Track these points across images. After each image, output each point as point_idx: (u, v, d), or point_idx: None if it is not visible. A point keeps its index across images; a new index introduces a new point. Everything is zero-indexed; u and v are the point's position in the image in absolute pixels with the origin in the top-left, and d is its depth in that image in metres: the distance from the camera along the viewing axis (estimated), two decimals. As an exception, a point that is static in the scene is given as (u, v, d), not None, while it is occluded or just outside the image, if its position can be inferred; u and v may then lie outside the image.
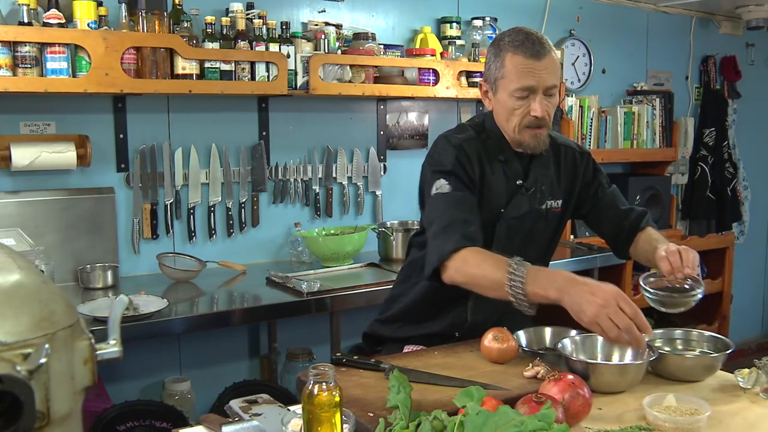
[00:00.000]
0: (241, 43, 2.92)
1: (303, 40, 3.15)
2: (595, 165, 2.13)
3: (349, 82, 3.19)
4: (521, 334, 1.84)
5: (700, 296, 1.68)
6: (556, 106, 1.94)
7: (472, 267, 1.74)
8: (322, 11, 3.40)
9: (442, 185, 1.87)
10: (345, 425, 1.22)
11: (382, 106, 3.63)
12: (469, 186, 1.88)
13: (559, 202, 2.04)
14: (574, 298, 1.56)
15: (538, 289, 1.61)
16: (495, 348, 1.69)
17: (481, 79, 2.04)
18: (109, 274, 2.82)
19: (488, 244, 1.88)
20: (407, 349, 2.01)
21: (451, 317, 2.02)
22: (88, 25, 2.60)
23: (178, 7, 2.86)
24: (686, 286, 1.69)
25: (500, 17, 3.86)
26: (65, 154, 2.73)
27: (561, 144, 2.09)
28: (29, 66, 2.49)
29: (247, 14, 3.03)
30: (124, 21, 2.69)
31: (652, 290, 1.69)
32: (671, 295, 1.68)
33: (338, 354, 1.74)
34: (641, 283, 1.69)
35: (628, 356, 1.70)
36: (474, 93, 3.52)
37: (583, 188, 2.09)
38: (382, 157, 3.63)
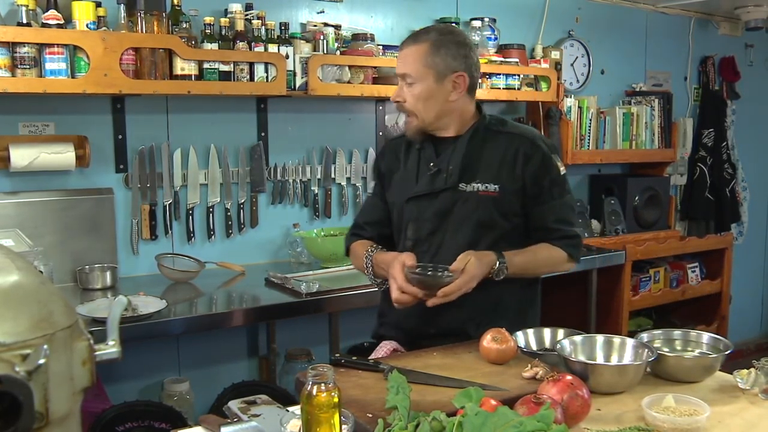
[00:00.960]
0: (240, 44, 2.92)
1: (302, 41, 3.15)
2: (548, 168, 2.03)
3: (348, 82, 3.19)
4: (520, 335, 1.85)
5: (445, 279, 1.85)
6: (419, 96, 1.99)
7: (355, 259, 2.21)
8: (320, 12, 3.40)
9: (372, 188, 2.29)
10: (344, 426, 1.22)
11: (381, 107, 3.63)
12: (381, 188, 2.22)
13: (495, 186, 2.01)
14: None
15: (381, 271, 2.05)
16: (494, 349, 1.69)
17: None
18: (108, 274, 2.82)
19: (405, 222, 2.12)
20: (384, 345, 2.08)
21: (416, 316, 2.04)
22: (86, 25, 2.60)
23: (176, 7, 2.86)
24: (447, 275, 1.86)
25: (499, 18, 3.87)
26: (64, 155, 2.73)
27: (514, 133, 2.06)
28: (28, 66, 2.48)
29: (246, 15, 3.03)
30: (122, 22, 2.69)
31: (410, 272, 1.88)
32: (426, 275, 1.88)
33: (337, 355, 1.74)
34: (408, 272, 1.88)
35: (627, 357, 1.70)
36: (473, 94, 3.51)
37: (530, 183, 2.02)
38: (381, 158, 3.63)
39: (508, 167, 2.02)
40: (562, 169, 2.08)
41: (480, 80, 3.54)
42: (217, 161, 3.17)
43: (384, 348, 2.05)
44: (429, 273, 1.87)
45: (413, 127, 2.05)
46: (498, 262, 1.92)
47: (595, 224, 4.23)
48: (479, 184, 2.01)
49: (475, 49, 2.13)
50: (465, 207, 2.02)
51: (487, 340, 1.71)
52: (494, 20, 3.82)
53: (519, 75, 3.71)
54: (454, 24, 3.68)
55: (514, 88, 3.70)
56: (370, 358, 1.84)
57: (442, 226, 2.04)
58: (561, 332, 1.87)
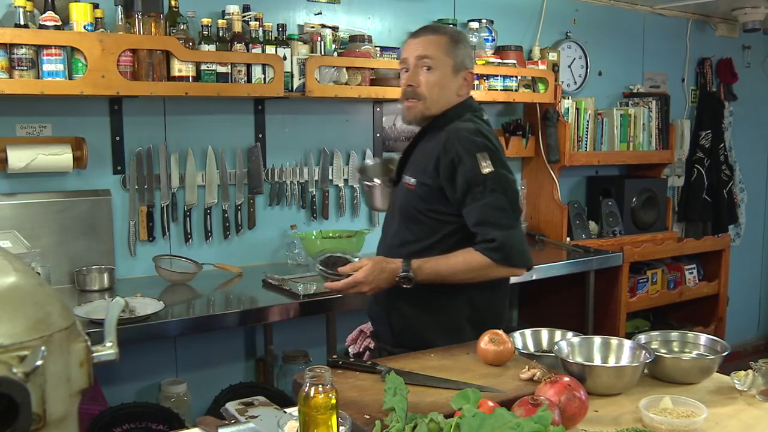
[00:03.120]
0: (238, 46, 2.92)
1: (299, 43, 3.15)
2: (462, 169, 1.97)
3: (346, 84, 3.19)
4: (517, 336, 1.85)
5: (330, 277, 2.06)
6: (436, 82, 2.05)
7: None
8: (318, 13, 3.40)
9: None
10: (341, 427, 1.22)
11: (378, 109, 3.63)
12: None
13: (414, 180, 2.07)
14: None
15: None
16: (491, 350, 1.69)
17: None
18: (106, 276, 2.81)
19: None
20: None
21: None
22: (84, 27, 2.60)
23: (174, 9, 2.86)
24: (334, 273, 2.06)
25: (496, 19, 3.87)
26: (61, 157, 2.73)
27: (447, 130, 2.03)
28: (25, 68, 2.48)
29: (244, 16, 3.03)
30: (120, 23, 2.69)
31: (315, 261, 2.14)
32: (320, 271, 2.10)
33: (334, 356, 1.74)
34: (318, 264, 2.11)
35: (625, 359, 1.70)
36: (470, 95, 3.52)
37: (445, 183, 2.00)
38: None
39: (427, 163, 2.04)
40: (487, 169, 1.95)
41: (477, 81, 3.57)
42: (215, 163, 3.17)
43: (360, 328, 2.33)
44: (321, 269, 2.08)
45: (417, 111, 2.09)
46: (401, 270, 1.96)
47: (592, 226, 4.24)
48: (409, 177, 2.09)
49: None
50: (400, 198, 2.14)
51: (485, 342, 1.71)
52: (491, 22, 3.83)
53: (516, 76, 3.72)
54: (452, 26, 3.69)
55: (512, 90, 3.70)
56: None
57: (393, 216, 2.17)
58: (558, 334, 1.87)
